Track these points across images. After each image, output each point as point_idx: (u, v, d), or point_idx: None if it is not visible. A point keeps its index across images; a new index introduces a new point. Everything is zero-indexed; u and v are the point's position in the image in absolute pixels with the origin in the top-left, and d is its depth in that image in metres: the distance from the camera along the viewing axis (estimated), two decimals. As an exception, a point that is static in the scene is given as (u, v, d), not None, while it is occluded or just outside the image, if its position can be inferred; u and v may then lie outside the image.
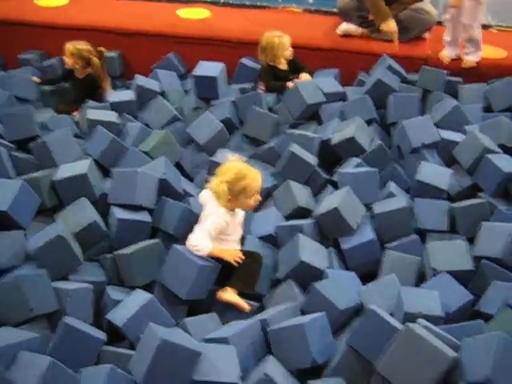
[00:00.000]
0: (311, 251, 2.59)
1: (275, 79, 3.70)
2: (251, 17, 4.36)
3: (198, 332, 2.22)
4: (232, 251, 2.49)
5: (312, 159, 3.13)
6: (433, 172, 3.00)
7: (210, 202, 2.58)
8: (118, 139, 3.13)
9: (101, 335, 2.18)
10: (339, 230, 2.74)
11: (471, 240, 2.69)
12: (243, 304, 2.43)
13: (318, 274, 2.50)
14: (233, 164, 2.59)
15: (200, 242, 2.45)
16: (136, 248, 2.53)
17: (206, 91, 3.61)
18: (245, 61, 3.89)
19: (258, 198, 2.61)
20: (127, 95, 3.59)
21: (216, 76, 3.57)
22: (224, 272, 2.46)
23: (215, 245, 2.48)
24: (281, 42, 3.67)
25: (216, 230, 2.50)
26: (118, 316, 2.23)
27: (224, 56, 3.97)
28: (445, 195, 2.95)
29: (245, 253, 2.50)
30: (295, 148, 3.10)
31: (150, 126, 3.43)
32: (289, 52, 3.71)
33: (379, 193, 3.00)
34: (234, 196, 2.52)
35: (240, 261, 2.46)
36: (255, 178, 2.57)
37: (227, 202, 2.53)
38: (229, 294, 2.43)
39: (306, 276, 2.49)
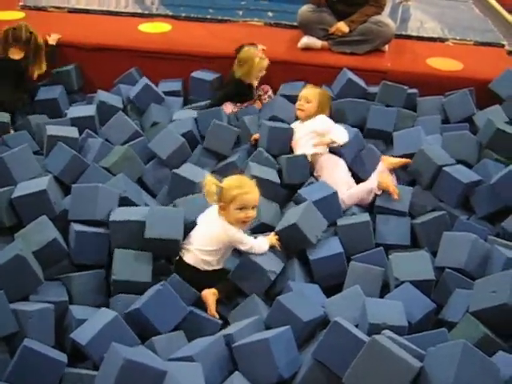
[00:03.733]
0: (264, 257, 2.61)
1: (239, 94, 3.73)
2: (213, 30, 4.36)
3: (165, 350, 2.19)
4: (273, 239, 2.65)
5: (275, 177, 3.13)
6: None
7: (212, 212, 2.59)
8: (79, 155, 3.09)
9: (62, 358, 2.12)
10: (299, 244, 2.75)
11: (435, 254, 2.72)
12: (213, 311, 2.46)
13: (266, 277, 2.55)
14: (236, 175, 2.62)
15: (260, 247, 2.56)
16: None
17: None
18: (196, 74, 3.94)
19: (251, 214, 2.53)
20: (88, 110, 3.55)
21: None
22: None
23: (219, 258, 2.56)
24: (261, 64, 3.72)
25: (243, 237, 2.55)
26: (82, 335, 2.18)
27: (186, 70, 3.97)
28: (406, 215, 2.99)
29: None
30: (255, 169, 3.08)
31: (112, 142, 3.39)
32: (262, 74, 3.77)
33: (341, 212, 3.01)
34: (225, 204, 2.49)
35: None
36: (250, 191, 2.52)
37: (221, 210, 2.51)
38: (210, 296, 2.48)
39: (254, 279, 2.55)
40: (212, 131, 3.40)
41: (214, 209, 2.60)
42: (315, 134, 3.27)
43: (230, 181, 2.54)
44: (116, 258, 2.54)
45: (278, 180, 3.13)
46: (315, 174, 3.23)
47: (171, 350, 2.20)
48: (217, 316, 2.46)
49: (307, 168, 3.21)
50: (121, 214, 2.65)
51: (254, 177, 3.01)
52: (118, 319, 2.23)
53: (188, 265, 2.54)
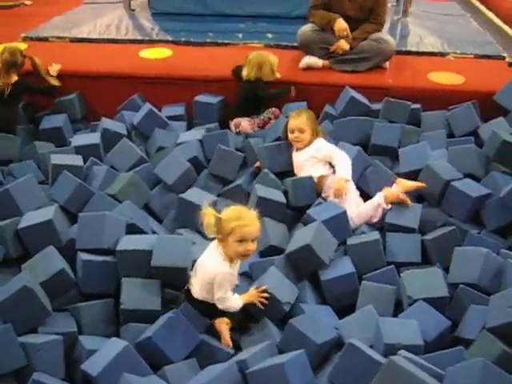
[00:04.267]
0: (279, 284, 2.56)
1: (260, 97, 3.85)
2: (213, 54, 4.38)
3: (177, 379, 2.16)
4: (253, 294, 2.48)
5: (281, 197, 3.10)
6: (402, 212, 2.98)
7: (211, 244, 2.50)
8: (84, 184, 3.08)
9: (73, 390, 2.09)
10: (313, 264, 2.71)
11: (447, 270, 2.67)
12: (228, 340, 2.40)
13: (281, 308, 2.49)
14: (236, 206, 2.47)
15: (229, 303, 2.42)
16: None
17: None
18: (200, 98, 3.95)
19: (250, 247, 2.36)
20: (93, 138, 3.55)
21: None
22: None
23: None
24: (275, 60, 3.88)
25: (230, 284, 2.41)
26: (93, 366, 2.14)
27: (188, 94, 3.98)
28: (416, 232, 2.94)
29: None
30: (261, 191, 3.06)
31: (117, 169, 3.38)
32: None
33: (351, 231, 2.97)
34: (224, 236, 2.35)
35: (264, 300, 2.47)
36: (250, 223, 2.35)
37: (220, 243, 2.39)
38: (223, 325, 2.41)
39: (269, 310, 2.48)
40: (217, 157, 3.40)
41: (210, 248, 2.49)
42: (316, 159, 3.24)
43: (229, 212, 2.38)
44: (124, 287, 2.51)
45: (284, 200, 3.10)
46: (323, 195, 3.20)
47: (184, 378, 2.17)
48: (231, 345, 2.40)
49: (314, 190, 3.17)
50: (128, 243, 2.62)
51: (260, 198, 3.01)
52: (129, 349, 2.19)
53: (196, 298, 2.47)
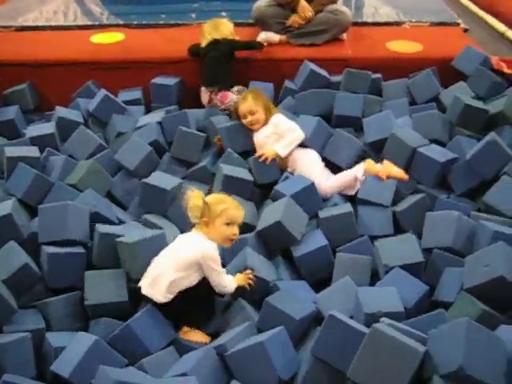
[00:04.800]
0: (259, 264, 2.50)
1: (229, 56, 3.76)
2: (167, 35, 4.26)
3: (156, 370, 2.07)
4: (241, 277, 2.40)
5: (247, 175, 3.05)
6: (376, 186, 2.94)
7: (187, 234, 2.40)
8: (42, 174, 2.95)
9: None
10: (284, 241, 2.67)
11: (420, 236, 2.66)
12: (203, 339, 2.30)
13: (267, 287, 2.42)
14: (219, 194, 2.44)
15: (226, 284, 2.34)
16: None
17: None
18: (157, 80, 3.83)
19: (236, 231, 2.36)
20: (47, 128, 3.40)
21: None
22: (184, 307, 2.30)
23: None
24: (229, 22, 3.85)
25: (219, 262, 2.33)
26: (63, 366, 2.04)
27: (143, 77, 3.86)
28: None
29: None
30: (227, 170, 3.01)
31: (76, 158, 3.25)
32: None
33: (322, 203, 2.94)
34: (210, 219, 2.31)
35: (251, 282, 2.39)
36: (237, 206, 2.39)
37: (203, 226, 2.33)
38: (189, 334, 2.30)
39: (256, 291, 2.40)
40: (178, 139, 3.30)
41: (185, 235, 2.41)
42: (277, 135, 3.19)
43: (216, 197, 2.40)
44: (87, 281, 2.40)
45: (251, 178, 3.05)
46: (289, 170, 3.15)
47: (163, 369, 2.08)
48: (207, 341, 2.29)
49: (276, 166, 3.14)
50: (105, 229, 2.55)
51: (226, 176, 2.94)
52: (100, 343, 2.10)
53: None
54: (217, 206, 2.33)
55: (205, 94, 3.75)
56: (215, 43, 3.74)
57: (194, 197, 2.34)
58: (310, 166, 3.09)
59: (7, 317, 2.24)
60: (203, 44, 3.78)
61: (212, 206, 2.33)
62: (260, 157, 3.11)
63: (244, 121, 3.27)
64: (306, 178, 2.94)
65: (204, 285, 2.31)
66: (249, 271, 2.42)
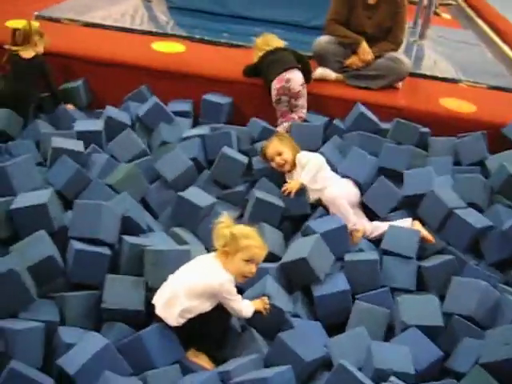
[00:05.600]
0: (277, 294, 2.49)
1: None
2: (226, 54, 4.32)
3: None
4: (258, 302, 2.39)
5: (279, 201, 3.08)
6: (400, 236, 2.92)
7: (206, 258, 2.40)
8: (83, 170, 3.01)
9: (49, 383, 2.00)
10: (307, 278, 2.66)
11: (442, 298, 2.63)
12: (208, 365, 2.29)
13: (281, 317, 2.41)
14: (249, 227, 2.39)
15: (242, 309, 2.32)
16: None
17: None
18: (208, 97, 3.87)
19: (254, 270, 2.32)
20: (96, 125, 3.47)
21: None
22: (195, 330, 2.30)
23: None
24: None
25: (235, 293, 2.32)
26: (70, 362, 2.06)
27: (196, 91, 3.92)
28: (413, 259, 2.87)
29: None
30: (260, 193, 3.05)
31: (117, 159, 3.31)
32: None
33: (349, 246, 2.93)
34: (232, 251, 2.28)
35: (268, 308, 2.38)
36: (262, 246, 2.33)
37: (223, 255, 2.30)
38: (196, 357, 2.30)
39: (270, 320, 2.39)
40: (219, 163, 3.30)
41: (204, 259, 2.38)
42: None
43: (244, 230, 2.33)
44: (107, 284, 2.42)
45: (281, 204, 3.07)
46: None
47: (164, 384, 2.09)
48: (213, 368, 2.27)
49: (305, 198, 3.15)
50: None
51: (258, 199, 2.98)
52: (110, 347, 2.11)
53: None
54: (242, 241, 2.27)
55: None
56: (275, 50, 3.82)
57: (223, 226, 2.31)
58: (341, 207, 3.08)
59: (25, 304, 2.27)
60: (255, 58, 3.87)
61: (237, 239, 2.28)
62: (285, 191, 3.13)
63: (273, 164, 3.30)
64: (339, 220, 2.93)
65: (217, 311, 2.29)
66: (265, 298, 2.41)
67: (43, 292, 2.41)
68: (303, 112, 3.77)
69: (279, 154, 3.27)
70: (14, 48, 3.63)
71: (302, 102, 3.76)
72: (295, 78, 3.72)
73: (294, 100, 3.74)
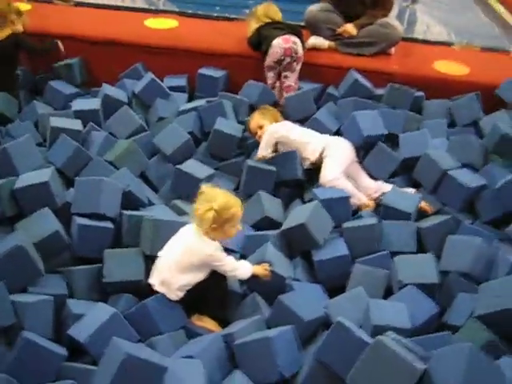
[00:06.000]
0: (278, 260, 2.56)
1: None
2: (220, 28, 4.33)
3: (165, 350, 2.16)
4: (259, 267, 2.46)
5: (271, 167, 3.14)
6: (402, 196, 2.99)
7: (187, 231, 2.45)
8: (82, 148, 3.06)
9: (61, 351, 2.10)
10: (306, 244, 2.72)
11: (440, 258, 2.67)
12: (214, 327, 2.39)
13: (282, 283, 2.48)
14: (218, 191, 2.41)
15: (236, 269, 2.40)
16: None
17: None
18: (203, 71, 3.89)
19: (240, 227, 2.44)
20: (93, 104, 3.52)
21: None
22: (196, 297, 2.40)
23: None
24: None
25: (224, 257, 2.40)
26: (80, 332, 2.16)
27: (191, 66, 3.94)
28: (411, 218, 2.92)
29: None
30: (252, 162, 3.13)
31: (116, 136, 3.36)
32: None
33: (350, 217, 2.97)
34: (219, 224, 2.34)
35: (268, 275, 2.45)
36: (239, 204, 2.41)
37: (210, 231, 2.35)
38: (201, 320, 2.40)
39: (271, 286, 2.46)
40: (213, 138, 3.37)
41: (187, 232, 2.43)
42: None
43: (222, 200, 2.34)
44: (106, 259, 2.51)
45: (274, 168, 3.13)
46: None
47: (171, 349, 2.18)
48: (219, 330, 2.37)
49: (296, 162, 3.18)
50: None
51: (250, 167, 3.07)
52: (118, 316, 2.21)
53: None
54: (225, 213, 2.33)
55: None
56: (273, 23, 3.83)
57: (205, 209, 2.33)
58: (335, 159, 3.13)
59: (33, 279, 2.36)
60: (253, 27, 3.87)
61: (221, 214, 2.33)
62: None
63: (256, 137, 3.34)
64: (345, 192, 2.98)
65: (213, 277, 2.39)
66: (266, 264, 2.49)
67: (50, 267, 2.49)
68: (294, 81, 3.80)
69: (260, 127, 3.31)
70: None
71: (298, 69, 3.80)
72: (299, 42, 3.76)
73: (296, 64, 3.76)
